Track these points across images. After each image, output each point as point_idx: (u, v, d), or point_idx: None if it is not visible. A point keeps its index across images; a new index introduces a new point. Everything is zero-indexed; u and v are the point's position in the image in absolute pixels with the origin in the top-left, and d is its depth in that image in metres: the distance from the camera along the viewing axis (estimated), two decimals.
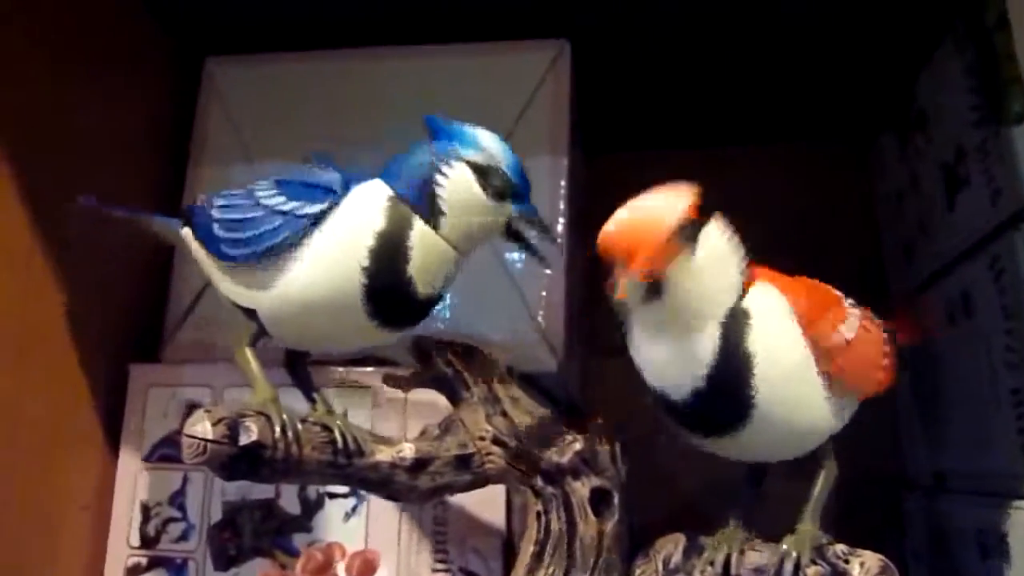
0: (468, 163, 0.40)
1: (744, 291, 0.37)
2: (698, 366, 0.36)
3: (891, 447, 0.69)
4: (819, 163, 0.77)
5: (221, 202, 0.42)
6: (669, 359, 0.37)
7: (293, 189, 0.40)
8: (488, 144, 0.40)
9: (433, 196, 0.40)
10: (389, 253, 0.39)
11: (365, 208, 0.40)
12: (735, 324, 0.36)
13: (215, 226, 0.41)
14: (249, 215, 0.40)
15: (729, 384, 0.36)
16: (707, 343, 0.36)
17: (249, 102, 0.63)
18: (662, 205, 0.35)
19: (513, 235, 0.41)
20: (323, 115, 0.61)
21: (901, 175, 0.68)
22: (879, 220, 0.75)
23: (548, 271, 0.42)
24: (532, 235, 0.41)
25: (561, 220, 0.58)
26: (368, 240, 0.39)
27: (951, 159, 0.58)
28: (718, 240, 0.37)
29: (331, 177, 0.40)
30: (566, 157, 0.59)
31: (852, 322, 0.40)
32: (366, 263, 0.39)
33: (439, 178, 0.40)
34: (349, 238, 0.39)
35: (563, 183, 0.59)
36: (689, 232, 0.35)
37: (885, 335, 0.42)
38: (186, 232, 0.45)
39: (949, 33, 0.58)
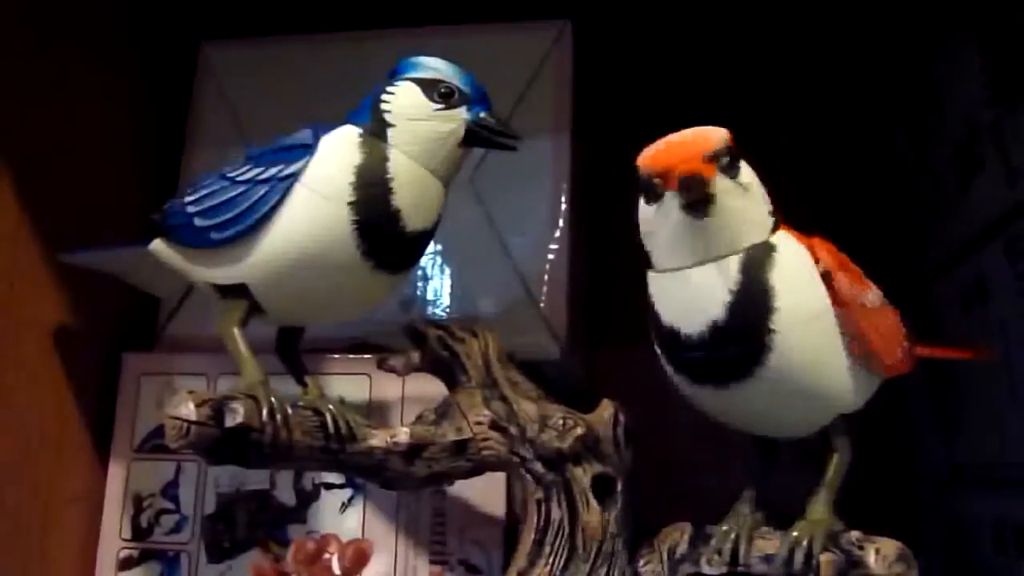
0: (411, 79, 0.41)
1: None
2: (718, 295, 0.35)
3: (905, 440, 0.68)
4: (831, 148, 0.75)
5: (194, 196, 0.42)
6: (687, 291, 0.36)
7: (267, 157, 0.40)
8: (430, 63, 0.42)
9: (380, 112, 0.40)
10: (372, 185, 0.39)
11: (339, 148, 0.40)
12: (759, 257, 0.36)
13: (195, 219, 0.41)
14: (231, 194, 0.40)
15: (749, 315, 0.35)
16: (729, 273, 0.35)
17: (245, 85, 0.63)
18: (702, 132, 0.36)
19: (474, 140, 0.41)
20: (320, 98, 0.60)
21: (913, 159, 0.67)
22: (890, 207, 0.73)
23: (518, 143, 0.42)
24: (495, 133, 0.42)
25: (563, 203, 0.57)
26: (349, 176, 0.39)
27: (965, 140, 0.57)
28: (752, 174, 0.37)
29: (301, 134, 0.40)
30: (568, 138, 0.58)
31: (873, 293, 0.39)
32: (352, 198, 0.39)
33: (385, 96, 0.41)
34: (330, 179, 0.39)
35: (565, 165, 0.58)
36: (730, 158, 0.36)
37: (902, 322, 0.41)
38: (155, 245, 0.44)
39: (964, 12, 0.56)
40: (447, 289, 0.56)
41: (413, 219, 0.40)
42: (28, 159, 0.50)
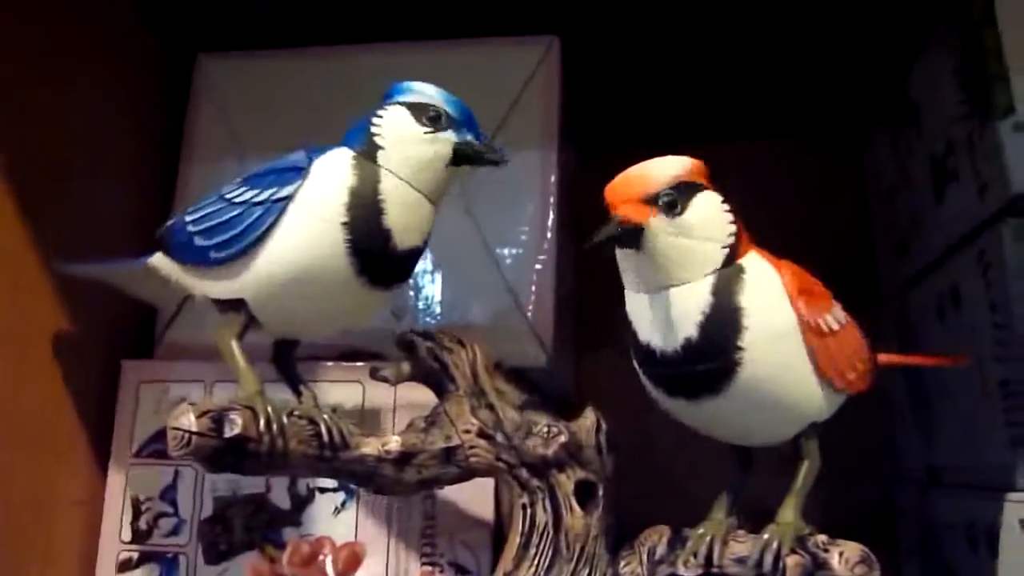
0: (401, 103, 0.43)
1: (736, 257, 0.38)
2: (691, 315, 0.37)
3: (885, 443, 0.69)
4: (812, 159, 0.77)
5: (194, 216, 0.43)
6: (661, 310, 0.38)
7: (262, 179, 0.42)
8: (420, 87, 0.43)
9: (370, 135, 0.42)
10: (364, 206, 0.40)
11: (332, 171, 0.41)
12: (729, 279, 0.38)
13: (195, 238, 0.42)
14: (227, 216, 0.41)
15: (719, 334, 0.37)
16: (701, 293, 0.37)
17: (241, 98, 0.64)
18: (654, 167, 0.38)
19: (461, 160, 0.42)
20: (314, 111, 0.61)
21: (893, 171, 0.69)
22: (871, 216, 0.75)
23: (499, 166, 0.43)
24: (481, 156, 0.43)
25: (551, 215, 0.58)
26: (343, 197, 0.40)
27: (941, 153, 0.58)
28: (709, 206, 0.38)
29: (295, 157, 0.42)
30: (555, 152, 0.59)
31: (837, 313, 0.40)
32: (345, 218, 0.40)
33: (375, 119, 0.42)
34: (324, 200, 0.40)
35: (553, 178, 0.59)
36: (675, 194, 0.37)
37: (865, 341, 0.43)
38: (156, 259, 0.45)
39: (938, 29, 0.58)
40: (437, 299, 0.58)
41: (404, 238, 0.41)
42: (29, 173, 0.51)
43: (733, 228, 0.38)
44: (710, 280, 0.37)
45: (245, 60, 0.65)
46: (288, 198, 0.40)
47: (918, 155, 0.63)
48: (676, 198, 0.37)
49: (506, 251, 0.58)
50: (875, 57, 0.65)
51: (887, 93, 0.67)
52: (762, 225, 0.41)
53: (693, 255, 0.38)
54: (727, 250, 0.38)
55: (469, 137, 0.42)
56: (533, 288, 0.57)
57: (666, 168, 0.38)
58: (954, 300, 0.57)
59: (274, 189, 0.41)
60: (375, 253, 0.40)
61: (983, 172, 0.52)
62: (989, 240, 0.51)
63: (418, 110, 0.42)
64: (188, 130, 0.64)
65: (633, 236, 0.37)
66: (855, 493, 0.67)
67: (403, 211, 0.41)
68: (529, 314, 0.57)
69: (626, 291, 0.40)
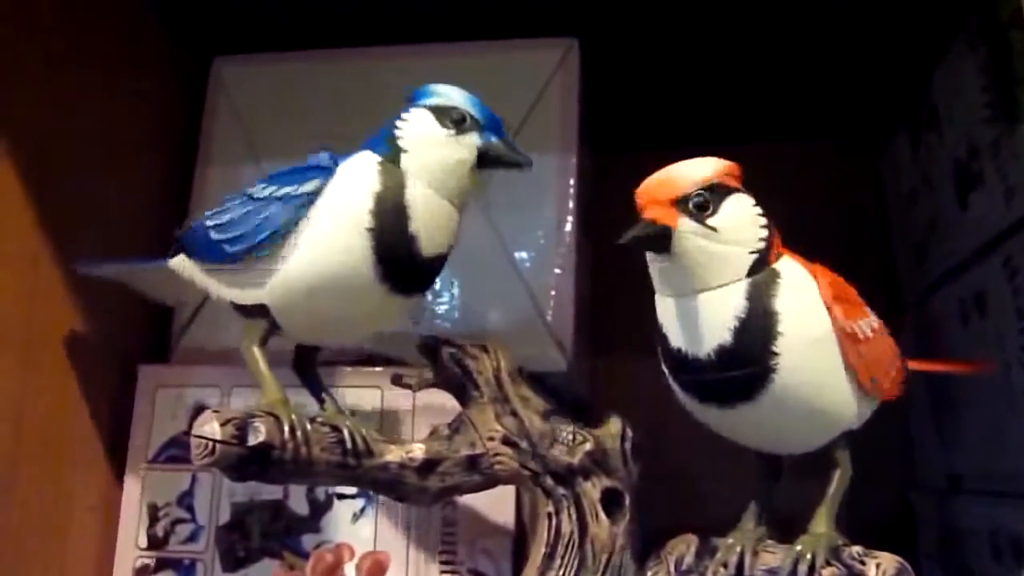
0: (425, 107, 0.42)
1: (768, 262, 0.38)
2: (724, 319, 0.37)
3: (903, 449, 0.69)
4: (831, 163, 0.77)
5: (213, 211, 0.43)
6: (694, 315, 0.37)
7: (284, 177, 0.41)
8: (444, 91, 0.43)
9: (393, 139, 0.42)
10: (390, 211, 0.40)
11: (358, 175, 0.41)
12: (764, 283, 0.37)
13: (211, 233, 0.42)
14: (244, 210, 0.41)
15: (754, 339, 0.36)
16: (735, 298, 0.37)
17: (256, 101, 0.63)
18: (685, 169, 0.38)
19: (489, 163, 0.42)
20: (331, 114, 0.61)
21: (913, 175, 0.68)
22: (891, 220, 0.74)
23: (529, 168, 0.43)
24: (505, 158, 0.42)
25: (570, 218, 0.58)
26: (368, 202, 0.40)
27: (964, 157, 0.58)
28: (741, 209, 0.38)
29: (319, 157, 0.42)
30: (575, 155, 0.59)
31: (871, 320, 0.40)
32: (370, 224, 0.39)
33: (399, 123, 0.42)
34: (348, 204, 0.40)
35: (572, 181, 0.59)
36: (705, 196, 0.37)
37: (897, 348, 0.42)
38: (177, 260, 0.45)
39: (963, 30, 0.58)
40: (456, 303, 0.57)
41: (428, 245, 0.41)
42: (45, 175, 0.51)
43: (765, 233, 0.38)
44: (745, 284, 0.37)
45: (261, 63, 0.65)
46: (308, 196, 0.40)
47: (940, 159, 0.62)
48: (706, 200, 0.37)
49: (525, 254, 0.58)
50: (895, 60, 0.64)
51: (907, 96, 0.67)
52: (780, 228, 0.40)
53: (721, 260, 0.37)
54: (756, 255, 0.37)
55: (493, 139, 0.42)
56: (552, 292, 0.57)
57: (697, 170, 0.38)
58: (979, 306, 0.56)
59: (295, 186, 0.40)
60: (399, 260, 0.40)
61: (1010, 176, 0.51)
62: (1017, 245, 0.51)
63: (442, 113, 0.42)
64: (204, 133, 0.64)
65: (661, 239, 0.37)
66: (873, 497, 0.66)
67: (428, 217, 0.41)
68: (549, 318, 0.56)
69: (656, 295, 0.39)
